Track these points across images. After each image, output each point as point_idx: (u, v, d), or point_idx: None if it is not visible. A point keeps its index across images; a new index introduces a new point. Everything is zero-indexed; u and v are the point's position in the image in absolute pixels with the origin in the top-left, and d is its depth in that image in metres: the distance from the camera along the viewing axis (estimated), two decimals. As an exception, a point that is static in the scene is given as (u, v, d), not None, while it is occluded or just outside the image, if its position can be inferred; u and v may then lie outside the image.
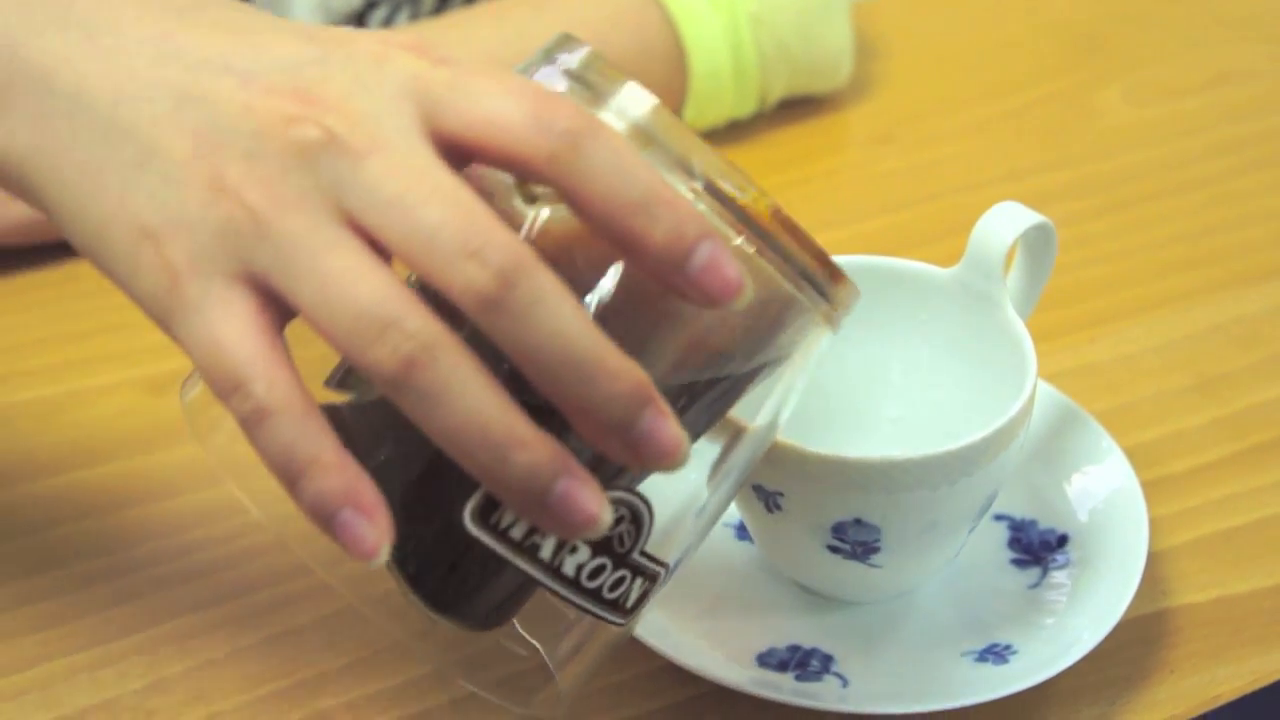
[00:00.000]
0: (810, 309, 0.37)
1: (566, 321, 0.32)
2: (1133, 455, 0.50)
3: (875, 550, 0.43)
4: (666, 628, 0.45)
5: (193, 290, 0.33)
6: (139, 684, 0.46)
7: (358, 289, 0.32)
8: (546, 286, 0.32)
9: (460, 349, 0.32)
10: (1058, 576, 0.47)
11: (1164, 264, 0.63)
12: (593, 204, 0.33)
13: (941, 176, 0.70)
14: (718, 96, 0.69)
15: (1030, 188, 0.68)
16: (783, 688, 0.44)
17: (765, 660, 0.45)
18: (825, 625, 0.46)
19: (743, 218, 0.35)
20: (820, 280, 0.36)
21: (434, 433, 0.32)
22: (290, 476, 0.32)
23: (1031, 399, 0.43)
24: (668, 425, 0.32)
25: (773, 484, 0.43)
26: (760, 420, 0.39)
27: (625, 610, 0.36)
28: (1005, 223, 0.46)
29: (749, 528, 0.47)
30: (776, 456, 0.42)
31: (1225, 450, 0.53)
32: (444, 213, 0.32)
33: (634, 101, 0.35)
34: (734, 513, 0.48)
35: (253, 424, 0.32)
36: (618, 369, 0.32)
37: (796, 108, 0.73)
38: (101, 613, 0.48)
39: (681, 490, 0.37)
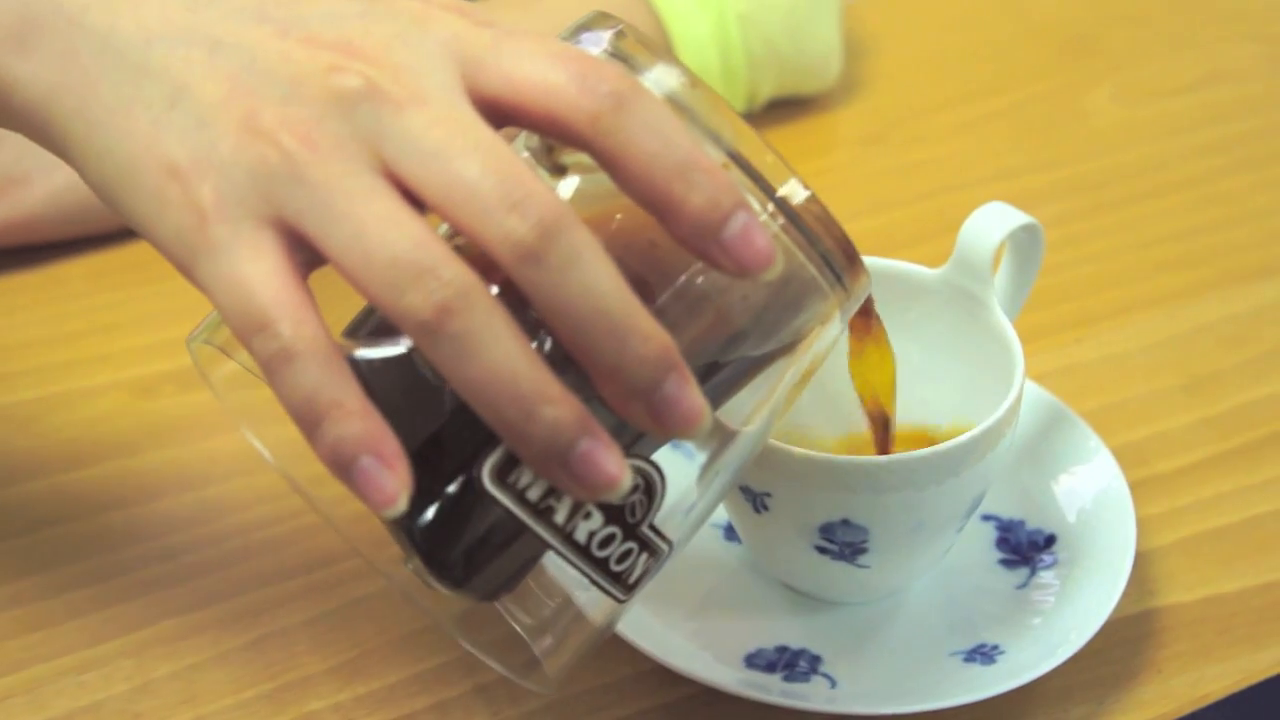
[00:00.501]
0: (827, 294, 0.37)
1: (602, 279, 0.32)
2: (1121, 455, 0.50)
3: (863, 551, 0.43)
4: (655, 628, 0.45)
5: (221, 231, 0.32)
6: (126, 687, 0.46)
7: (394, 235, 0.31)
8: (584, 243, 0.32)
9: (494, 301, 0.31)
10: (1045, 577, 0.47)
11: (1152, 264, 0.63)
12: (633, 167, 0.33)
13: (931, 176, 0.70)
14: (706, 97, 0.69)
15: (1019, 188, 0.68)
16: (771, 689, 0.44)
17: (753, 661, 0.45)
18: (813, 626, 0.46)
19: (771, 194, 0.35)
20: (840, 266, 0.37)
21: (463, 383, 0.31)
22: (311, 421, 0.32)
23: (1018, 400, 0.43)
24: (691, 392, 0.32)
25: (760, 485, 0.43)
26: (762, 408, 0.38)
27: (628, 585, 0.36)
28: (993, 223, 0.46)
29: (737, 528, 0.47)
30: (764, 457, 0.42)
31: (1213, 450, 0.53)
32: (485, 165, 0.32)
33: (670, 75, 0.35)
34: (723, 514, 0.48)
35: (276, 366, 0.32)
36: (649, 331, 0.32)
37: (786, 108, 0.73)
38: (88, 615, 0.48)
39: (677, 483, 0.37)
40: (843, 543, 0.43)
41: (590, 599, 0.37)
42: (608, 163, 0.33)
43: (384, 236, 0.31)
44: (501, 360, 0.31)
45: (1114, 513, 0.47)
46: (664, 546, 0.37)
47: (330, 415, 0.31)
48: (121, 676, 0.46)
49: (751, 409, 0.38)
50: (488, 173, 0.32)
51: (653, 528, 0.36)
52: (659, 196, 0.33)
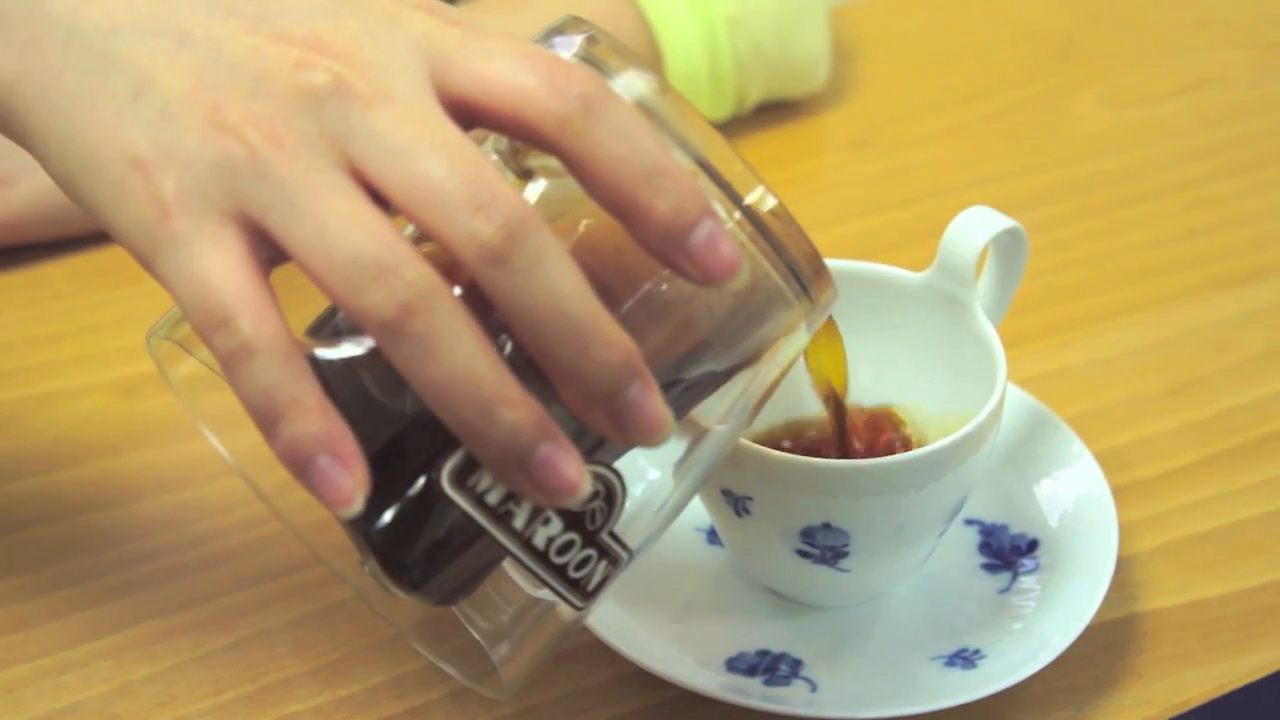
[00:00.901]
0: (792, 304, 0.37)
1: (567, 283, 0.31)
2: (1105, 459, 0.50)
3: (844, 555, 0.43)
4: (636, 632, 0.45)
5: (182, 224, 0.32)
6: (104, 688, 0.46)
7: (357, 233, 0.31)
8: (549, 247, 0.31)
9: (457, 302, 0.31)
10: (1027, 581, 0.47)
11: (1138, 269, 0.63)
12: (600, 171, 0.32)
13: (918, 180, 0.70)
14: (694, 100, 0.68)
15: (1006, 192, 0.68)
16: (751, 693, 0.43)
17: (734, 665, 0.45)
18: (795, 630, 0.46)
19: (738, 203, 0.35)
20: (806, 277, 0.36)
21: (423, 384, 0.31)
22: (269, 418, 0.31)
23: (1000, 404, 0.43)
24: (654, 400, 0.32)
25: (741, 488, 0.43)
26: (726, 419, 0.38)
27: (586, 593, 0.36)
28: (976, 227, 0.46)
29: (719, 532, 0.47)
30: (744, 461, 0.42)
31: (1197, 454, 0.53)
32: (451, 165, 0.31)
33: (640, 80, 0.35)
34: (705, 517, 0.48)
35: (235, 362, 0.31)
36: (612, 336, 0.32)
37: (773, 111, 0.73)
38: (67, 617, 0.48)
39: (639, 490, 0.37)
40: (824, 546, 0.43)
41: (546, 607, 0.37)
42: (575, 166, 0.33)
43: (347, 234, 0.31)
44: (462, 362, 0.31)
45: (1096, 517, 0.47)
46: (623, 555, 0.36)
47: (288, 413, 0.31)
48: (100, 678, 0.46)
49: (716, 417, 0.38)
50: (454, 173, 0.31)
51: (612, 535, 0.36)
52: (625, 202, 0.33)
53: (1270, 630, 0.47)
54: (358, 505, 0.31)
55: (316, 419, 0.31)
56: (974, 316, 0.46)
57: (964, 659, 0.44)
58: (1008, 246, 0.48)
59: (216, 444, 0.35)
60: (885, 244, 0.64)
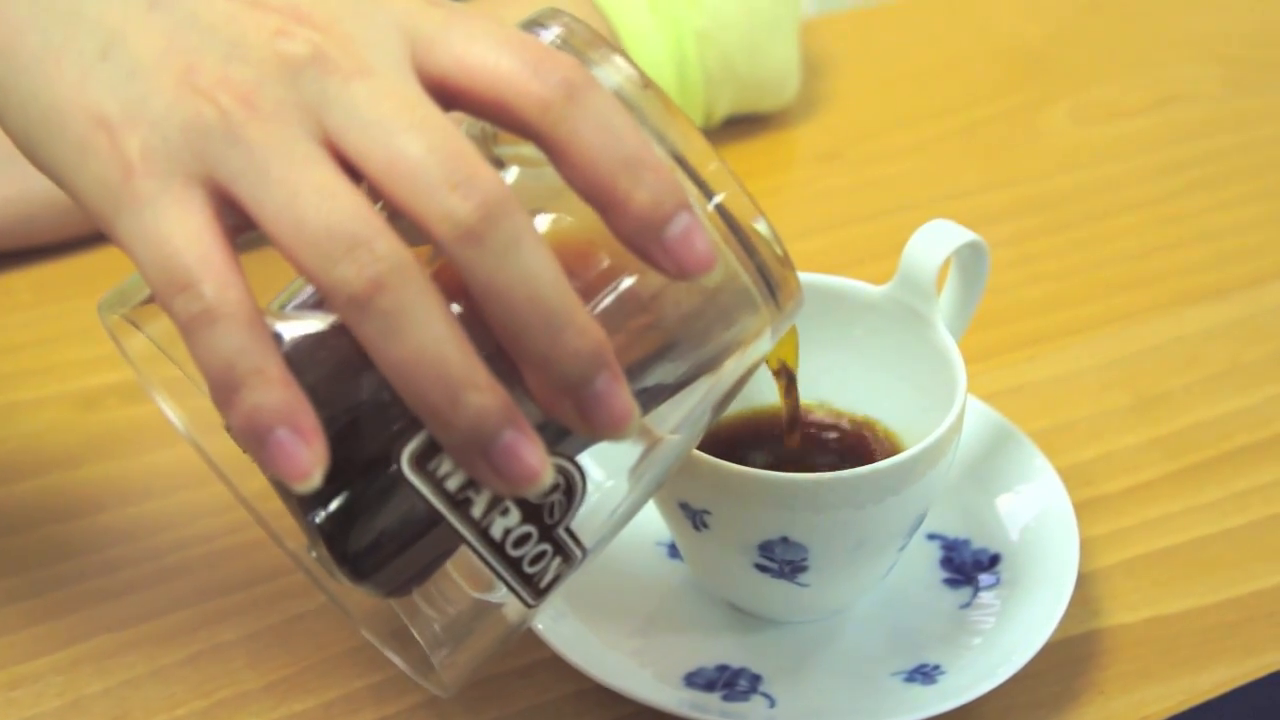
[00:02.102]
0: (759, 307, 0.36)
1: (542, 268, 0.31)
2: (1069, 475, 0.50)
3: (803, 569, 0.43)
4: (595, 647, 0.44)
5: (147, 185, 0.31)
6: (56, 703, 0.45)
7: (329, 205, 0.30)
8: (525, 230, 0.31)
9: (428, 281, 0.31)
10: (988, 596, 0.46)
11: (1105, 284, 0.63)
12: (580, 158, 0.32)
13: (887, 194, 0.70)
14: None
15: (974, 206, 0.68)
16: (710, 708, 0.43)
17: (693, 680, 0.44)
18: (755, 645, 0.46)
19: (712, 201, 0.35)
20: (775, 282, 0.36)
21: (389, 362, 0.30)
22: (228, 386, 0.30)
23: (960, 418, 0.43)
24: (622, 392, 0.32)
25: (699, 502, 0.42)
26: (683, 425, 0.38)
27: (538, 589, 0.35)
28: (937, 241, 0.46)
29: (678, 546, 0.47)
30: (702, 474, 0.42)
31: (1161, 470, 0.53)
32: (430, 142, 0.31)
33: (621, 73, 0.35)
34: (666, 532, 0.48)
35: (196, 328, 0.30)
36: (584, 325, 0.31)
37: (743, 125, 0.72)
38: (19, 631, 0.47)
39: (594, 489, 0.36)
40: (782, 561, 0.43)
41: (490, 609, 0.37)
42: (554, 152, 0.32)
43: (319, 205, 0.30)
44: (430, 342, 0.30)
45: (1057, 532, 0.47)
46: (578, 552, 0.36)
47: (249, 382, 0.30)
48: (53, 693, 0.45)
49: (675, 421, 0.38)
50: (433, 149, 0.31)
51: (569, 531, 0.35)
52: (604, 190, 0.32)
53: (1232, 646, 0.47)
54: (315, 480, 0.30)
55: (278, 390, 0.30)
56: (935, 330, 0.46)
57: (924, 674, 0.44)
58: (969, 260, 0.48)
59: (171, 415, 0.34)
60: (852, 258, 0.64)
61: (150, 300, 0.34)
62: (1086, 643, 0.47)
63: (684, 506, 0.43)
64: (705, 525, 0.43)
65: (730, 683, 0.44)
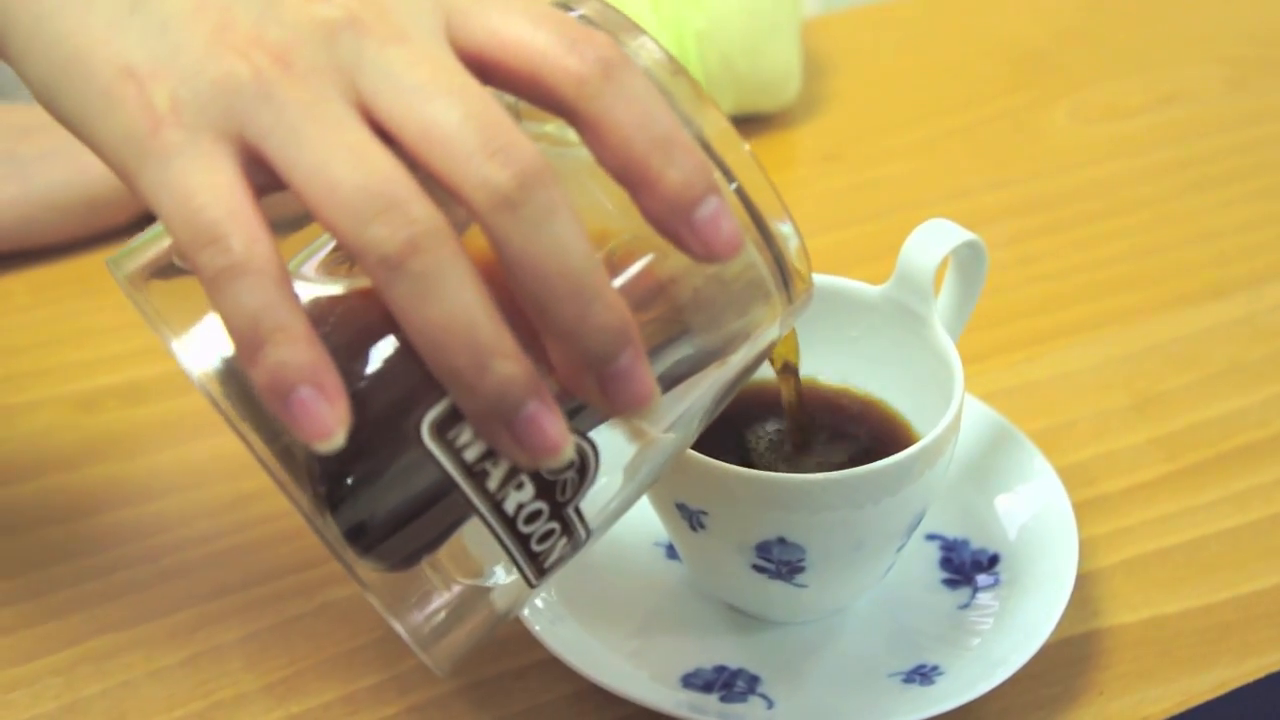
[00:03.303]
0: (772, 296, 0.36)
1: (575, 240, 0.31)
2: (1069, 474, 0.50)
3: (800, 570, 0.43)
4: (593, 649, 0.44)
5: (175, 136, 0.31)
6: (54, 705, 0.45)
7: (366, 165, 0.30)
8: (561, 202, 0.31)
9: (460, 246, 0.30)
10: (986, 597, 0.46)
11: (1104, 283, 0.63)
12: (614, 135, 0.32)
13: (888, 194, 0.70)
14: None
15: (974, 206, 0.68)
16: (707, 709, 0.43)
17: (690, 681, 0.44)
18: (753, 646, 0.46)
19: (736, 186, 0.35)
20: (790, 273, 0.36)
21: (419, 325, 0.30)
22: (254, 342, 0.30)
23: (957, 418, 0.43)
24: (645, 370, 0.32)
25: (696, 502, 0.42)
26: (682, 420, 0.38)
27: (541, 568, 0.35)
28: (934, 240, 0.46)
29: (676, 547, 0.47)
30: (699, 475, 0.41)
31: (1161, 470, 0.53)
32: (467, 109, 0.31)
33: (650, 55, 0.35)
34: (664, 533, 0.48)
35: (224, 282, 0.30)
36: (613, 301, 0.31)
37: (744, 125, 0.72)
38: (17, 632, 0.47)
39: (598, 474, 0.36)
40: (780, 561, 0.43)
41: (482, 593, 0.36)
42: (587, 128, 0.32)
43: (354, 165, 0.30)
44: (461, 306, 0.30)
45: (1056, 532, 0.47)
46: (582, 533, 0.36)
47: (274, 338, 0.30)
48: (50, 695, 0.45)
49: (681, 409, 0.37)
50: (470, 116, 0.31)
51: (578, 511, 0.35)
52: (636, 168, 0.32)
53: (1231, 647, 0.46)
54: (338, 439, 0.30)
55: (304, 348, 0.30)
56: (932, 330, 0.46)
57: (922, 675, 0.44)
58: (967, 259, 0.48)
59: (185, 361, 0.33)
60: (853, 258, 0.64)
61: (162, 258, 0.34)
62: (1085, 643, 0.46)
63: (681, 507, 0.43)
64: (702, 526, 0.43)
65: (728, 684, 0.44)
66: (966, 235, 0.46)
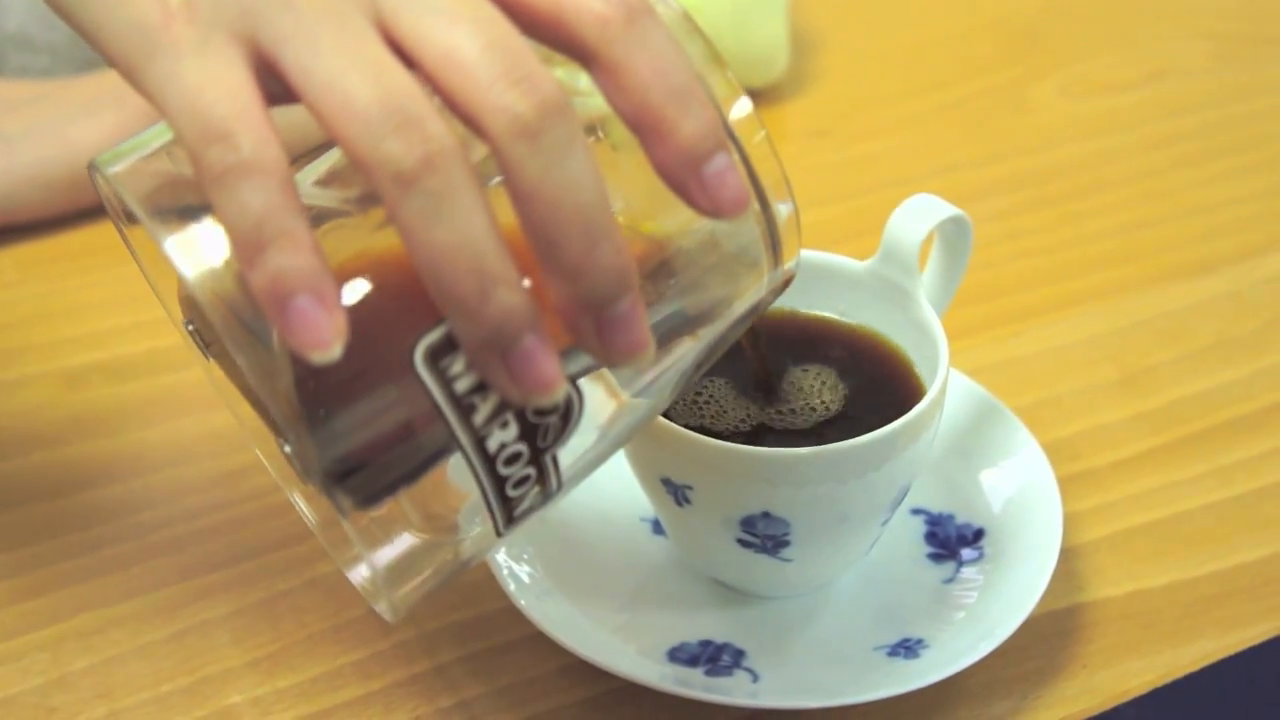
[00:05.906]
0: (760, 265, 0.36)
1: (589, 176, 0.30)
2: (1054, 449, 0.50)
3: (785, 544, 0.43)
4: (580, 623, 0.45)
5: (187, 32, 0.30)
6: (40, 680, 0.45)
7: (383, 79, 0.30)
8: (579, 136, 0.30)
9: (474, 170, 0.30)
10: (971, 571, 0.46)
11: (1092, 258, 0.63)
12: (632, 81, 0.31)
13: (876, 170, 0.69)
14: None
15: (963, 181, 0.68)
16: (693, 683, 0.43)
17: (676, 655, 0.44)
18: (738, 620, 0.46)
19: (740, 151, 0.35)
20: (783, 245, 0.36)
21: (425, 245, 0.29)
22: (255, 245, 0.29)
23: (942, 392, 0.43)
24: (643, 318, 0.31)
25: (681, 477, 0.42)
26: (658, 381, 0.38)
27: (510, 516, 0.35)
28: (919, 215, 0.46)
29: (661, 521, 0.47)
30: (683, 449, 0.42)
31: (1146, 444, 0.53)
32: (491, 36, 0.30)
33: (670, 10, 0.35)
34: (649, 508, 0.48)
35: (230, 180, 0.29)
36: (621, 243, 0.31)
37: (731, 101, 0.72)
38: (3, 608, 0.47)
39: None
40: (764, 535, 0.43)
41: (442, 545, 0.36)
42: (606, 72, 0.32)
43: (372, 79, 0.30)
44: (470, 230, 0.30)
45: (1041, 507, 0.47)
46: (554, 484, 0.35)
47: (277, 242, 0.29)
48: (37, 670, 0.46)
49: (656, 371, 0.37)
50: (493, 44, 0.30)
51: (555, 460, 0.35)
52: (651, 116, 0.32)
53: (1214, 620, 0.47)
54: (335, 351, 0.29)
55: (306, 255, 0.29)
56: (918, 304, 0.46)
57: (907, 648, 0.44)
58: (952, 235, 0.48)
59: (176, 261, 0.31)
60: (842, 233, 0.64)
61: (152, 161, 0.33)
62: (1069, 617, 0.47)
63: (666, 482, 0.43)
64: (687, 501, 0.43)
65: (714, 658, 0.44)
66: (951, 210, 0.46)
